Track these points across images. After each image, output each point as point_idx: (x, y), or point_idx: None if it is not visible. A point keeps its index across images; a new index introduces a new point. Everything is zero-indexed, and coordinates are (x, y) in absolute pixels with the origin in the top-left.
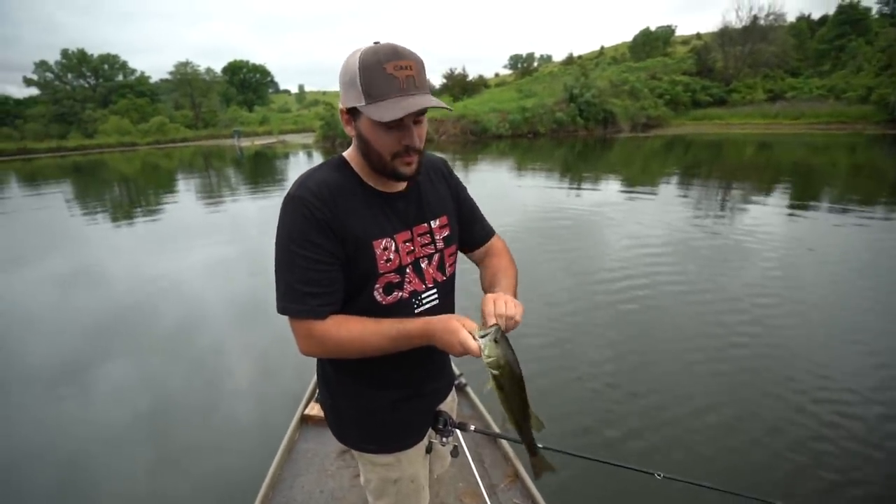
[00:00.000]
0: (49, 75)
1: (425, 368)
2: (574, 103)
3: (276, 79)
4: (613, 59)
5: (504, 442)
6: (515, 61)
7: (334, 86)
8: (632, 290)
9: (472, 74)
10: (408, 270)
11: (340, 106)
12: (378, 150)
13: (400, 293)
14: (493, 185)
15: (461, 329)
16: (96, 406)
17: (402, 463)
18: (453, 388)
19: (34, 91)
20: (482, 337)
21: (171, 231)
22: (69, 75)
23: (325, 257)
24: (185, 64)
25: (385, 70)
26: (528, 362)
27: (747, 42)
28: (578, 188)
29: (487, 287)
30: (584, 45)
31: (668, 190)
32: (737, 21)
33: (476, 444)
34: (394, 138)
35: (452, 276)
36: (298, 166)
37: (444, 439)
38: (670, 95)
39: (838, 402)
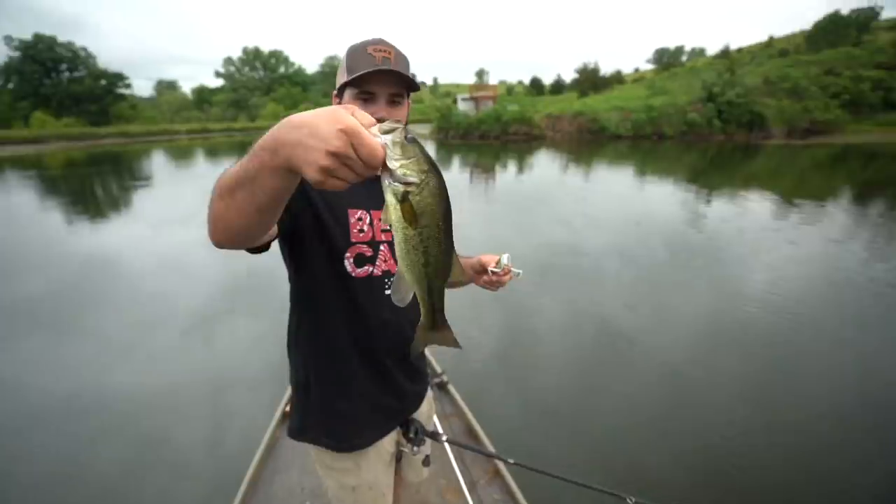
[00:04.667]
0: (231, 68)
1: (398, 366)
2: (712, 103)
3: (414, 70)
4: (783, 51)
5: (486, 439)
6: (660, 56)
7: (465, 78)
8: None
9: (608, 70)
10: (382, 248)
11: (334, 92)
12: None
13: (371, 268)
14: (601, 191)
15: (347, 115)
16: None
17: (360, 468)
18: (429, 395)
19: (220, 82)
20: (385, 131)
21: None
22: (246, 68)
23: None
24: (333, 57)
25: (366, 51)
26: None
27: None
28: (708, 201)
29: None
30: (747, 36)
31: (832, 213)
32: None
33: (458, 440)
34: (368, 111)
35: None
36: None
37: (416, 448)
38: (850, 95)
39: None
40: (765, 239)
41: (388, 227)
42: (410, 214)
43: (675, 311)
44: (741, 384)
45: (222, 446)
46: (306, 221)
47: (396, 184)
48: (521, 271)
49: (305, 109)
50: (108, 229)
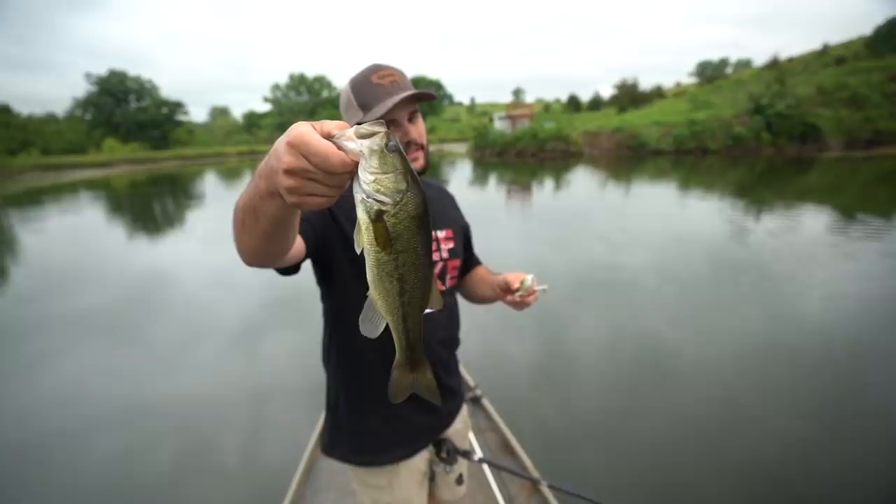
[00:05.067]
0: (278, 93)
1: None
2: (760, 115)
3: (451, 91)
4: (839, 58)
5: (522, 452)
6: (703, 68)
7: (502, 97)
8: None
9: (647, 84)
10: None
11: None
12: None
13: None
14: (641, 207)
15: (310, 129)
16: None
17: (392, 486)
18: (464, 412)
19: (268, 107)
20: (362, 136)
21: None
22: (291, 93)
23: (315, 221)
24: None
25: (371, 81)
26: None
27: None
28: (756, 217)
29: (477, 281)
30: (798, 45)
31: None
32: None
33: (493, 453)
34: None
35: (453, 289)
36: (447, 171)
37: (448, 467)
38: None
39: None
40: (819, 255)
41: (360, 252)
42: (384, 238)
43: (721, 330)
44: (795, 408)
45: (263, 459)
46: (333, 241)
47: (369, 199)
48: (546, 286)
49: None
50: (164, 245)
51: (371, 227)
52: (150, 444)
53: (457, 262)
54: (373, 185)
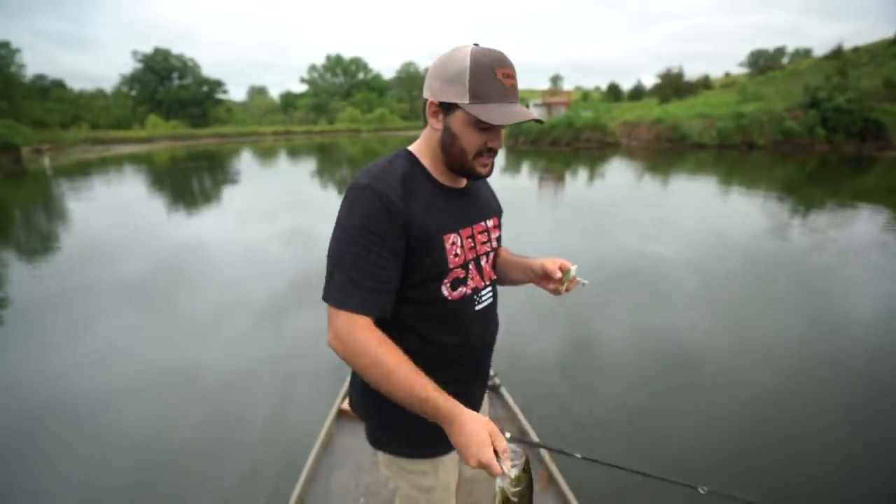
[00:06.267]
0: (315, 74)
1: (472, 370)
2: (816, 109)
3: None
4: None
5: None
6: (756, 58)
7: (540, 83)
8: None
9: (693, 74)
10: (470, 266)
11: (430, 97)
12: (464, 147)
13: (464, 289)
14: (678, 201)
15: (489, 446)
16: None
17: (437, 471)
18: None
19: (305, 87)
20: (512, 466)
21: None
22: (328, 74)
23: (390, 255)
24: (409, 64)
25: (495, 75)
26: None
27: None
28: (804, 216)
29: (503, 263)
30: (867, 33)
31: None
32: None
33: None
34: (482, 139)
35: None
36: None
37: None
38: None
39: None
40: (871, 257)
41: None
42: None
43: (755, 329)
44: (829, 417)
45: (283, 432)
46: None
47: (506, 492)
48: (587, 281)
49: (381, 114)
50: (200, 219)
51: (501, 499)
52: (177, 410)
53: (501, 250)
54: (509, 488)
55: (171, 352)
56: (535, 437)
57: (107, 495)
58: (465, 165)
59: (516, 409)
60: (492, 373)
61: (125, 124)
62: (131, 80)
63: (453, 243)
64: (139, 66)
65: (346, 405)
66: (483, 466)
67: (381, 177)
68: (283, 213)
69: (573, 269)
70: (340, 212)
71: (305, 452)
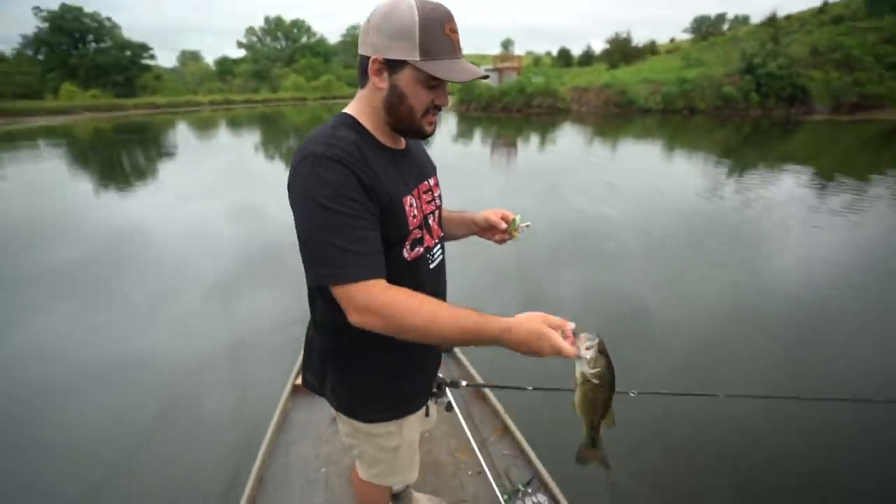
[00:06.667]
0: (254, 38)
1: None
2: (751, 75)
3: None
4: (836, 17)
5: (492, 397)
6: (699, 24)
7: (490, 48)
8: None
9: (642, 40)
10: (423, 226)
11: (372, 54)
12: (413, 106)
13: (420, 248)
14: (626, 165)
15: (553, 333)
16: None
17: (402, 430)
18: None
19: (242, 52)
20: (587, 348)
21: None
22: (268, 38)
23: (370, 217)
24: (355, 27)
25: (444, 30)
26: None
27: None
28: (739, 179)
29: (445, 220)
30: (800, 0)
31: (871, 200)
32: None
33: (466, 402)
34: (430, 96)
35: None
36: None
37: (439, 400)
38: None
39: None
40: (797, 216)
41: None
42: (589, 397)
43: (695, 288)
44: (764, 365)
45: (239, 411)
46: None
47: (585, 374)
48: (530, 223)
49: (327, 81)
50: (134, 199)
51: (583, 390)
52: (129, 399)
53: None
54: (588, 371)
55: (116, 340)
56: (490, 395)
57: (60, 490)
58: (413, 125)
59: (469, 367)
60: None
61: (35, 94)
62: (36, 41)
63: (411, 205)
64: (43, 25)
65: (299, 381)
66: (557, 352)
67: (335, 144)
68: (227, 188)
69: (517, 217)
70: (302, 187)
71: (263, 431)
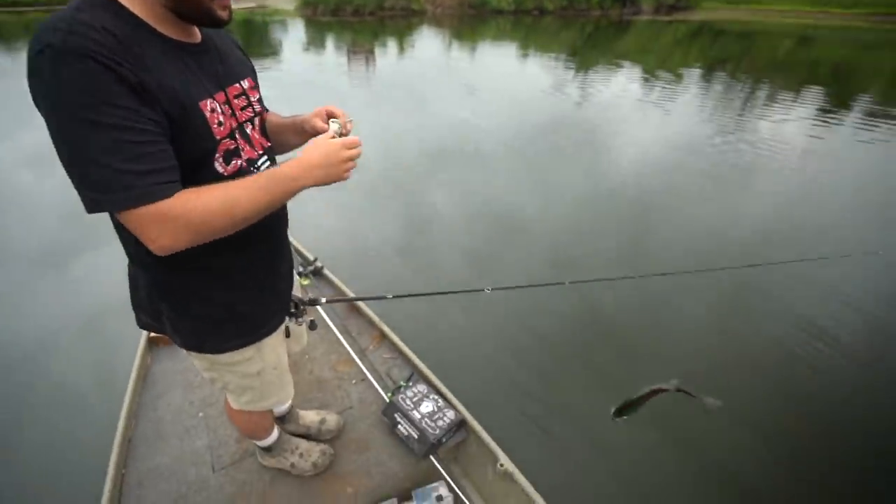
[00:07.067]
0: None
1: (271, 247)
2: None
3: None
4: None
5: (367, 309)
6: None
7: None
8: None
9: None
10: (237, 136)
11: None
12: None
13: (238, 161)
14: (486, 70)
15: (330, 140)
16: None
17: (262, 353)
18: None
19: None
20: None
21: None
22: None
23: (148, 125)
24: None
25: None
26: None
27: None
28: (584, 77)
29: (275, 128)
30: None
31: (685, 91)
32: None
33: (341, 318)
34: None
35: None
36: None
37: (299, 319)
38: None
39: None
40: (626, 108)
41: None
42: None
43: (556, 184)
44: (616, 243)
45: (99, 378)
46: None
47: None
48: (352, 119)
49: None
50: None
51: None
52: None
53: (266, 113)
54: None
55: None
56: (365, 307)
57: None
58: (202, 7)
59: (341, 285)
60: (311, 257)
61: None
62: None
63: (213, 110)
64: None
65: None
66: (346, 149)
67: (78, 31)
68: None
69: (336, 123)
70: (47, 94)
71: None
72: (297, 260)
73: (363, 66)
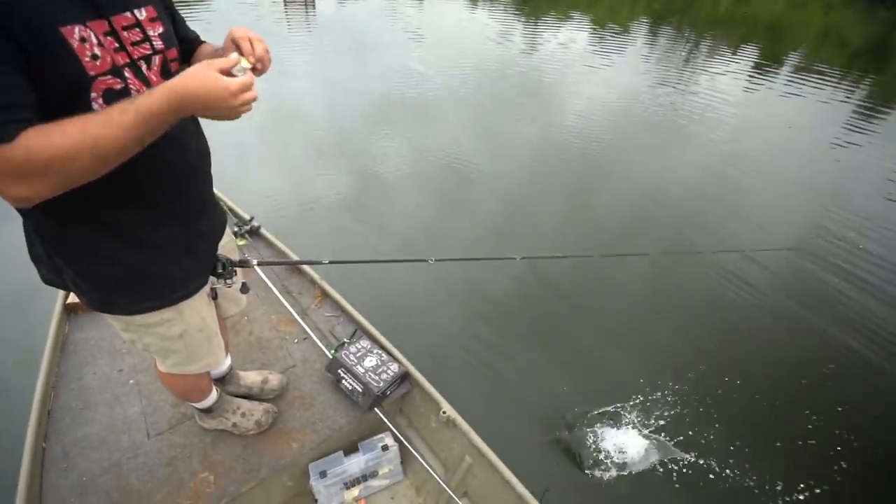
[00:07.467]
0: None
1: (186, 206)
2: None
3: None
4: None
5: (308, 268)
6: None
7: None
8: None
9: None
10: (127, 74)
11: None
12: None
13: None
14: (431, 14)
15: (219, 76)
16: None
17: (183, 314)
18: (228, 230)
19: None
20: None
21: None
22: None
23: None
24: None
25: None
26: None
27: None
28: (534, 28)
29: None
30: None
31: (629, 46)
32: None
33: (281, 279)
34: None
35: None
36: None
37: (228, 281)
38: None
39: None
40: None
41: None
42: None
43: (507, 135)
44: (565, 188)
45: (11, 353)
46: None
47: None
48: (248, 66)
49: None
50: None
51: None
52: None
53: (174, 53)
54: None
55: None
56: (306, 267)
57: None
58: None
59: (281, 245)
60: (247, 217)
61: None
62: None
63: (83, 40)
64: None
65: (72, 299)
66: (233, 92)
67: None
68: None
69: (241, 61)
70: None
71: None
72: (232, 220)
73: (302, 11)
